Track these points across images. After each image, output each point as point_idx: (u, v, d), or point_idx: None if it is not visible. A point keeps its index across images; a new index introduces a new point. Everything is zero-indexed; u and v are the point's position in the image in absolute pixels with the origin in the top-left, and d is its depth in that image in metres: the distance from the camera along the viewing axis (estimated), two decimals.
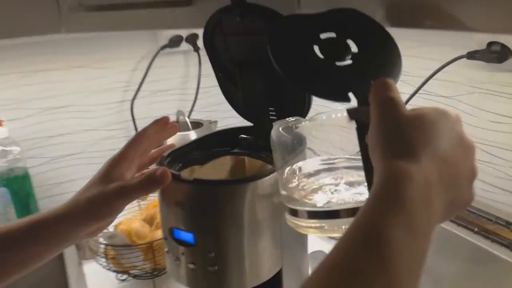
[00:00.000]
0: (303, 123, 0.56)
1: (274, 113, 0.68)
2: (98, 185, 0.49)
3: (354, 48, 0.47)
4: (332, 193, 0.53)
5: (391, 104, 0.35)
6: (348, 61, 0.46)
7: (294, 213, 0.51)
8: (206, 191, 0.54)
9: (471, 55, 0.72)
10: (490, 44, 0.70)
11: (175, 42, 1.15)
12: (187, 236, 0.55)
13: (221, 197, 0.54)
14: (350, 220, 0.45)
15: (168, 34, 1.15)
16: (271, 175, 0.56)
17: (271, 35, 0.48)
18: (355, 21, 0.50)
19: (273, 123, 0.55)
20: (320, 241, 0.91)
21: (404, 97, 0.80)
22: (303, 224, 0.50)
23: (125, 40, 1.15)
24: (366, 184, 0.41)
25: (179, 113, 1.12)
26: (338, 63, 0.46)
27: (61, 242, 0.49)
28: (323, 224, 0.49)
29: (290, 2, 0.64)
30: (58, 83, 1.09)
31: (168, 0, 0.72)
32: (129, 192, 0.48)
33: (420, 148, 0.32)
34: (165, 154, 0.64)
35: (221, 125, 1.20)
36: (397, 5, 0.50)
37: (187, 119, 1.09)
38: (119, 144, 1.19)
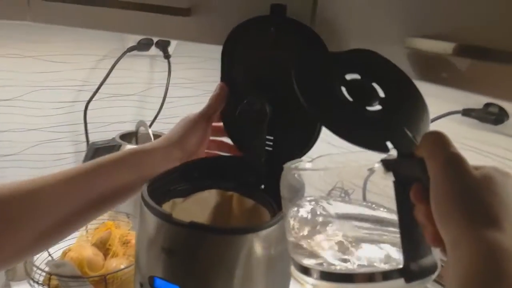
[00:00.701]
0: (315, 168, 0.51)
1: (271, 146, 0.62)
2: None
3: (381, 93, 0.44)
4: (345, 250, 0.48)
5: (460, 163, 0.33)
6: (378, 107, 0.43)
7: (304, 271, 0.45)
8: (205, 239, 0.47)
9: (467, 113, 0.71)
10: (488, 105, 0.70)
11: (144, 45, 1.05)
12: None
13: (224, 247, 0.47)
14: (369, 286, 0.40)
15: (137, 35, 1.04)
16: (279, 224, 0.49)
17: (297, 65, 0.44)
18: (378, 65, 0.47)
19: (284, 165, 0.49)
20: None
21: None
22: (313, 283, 0.45)
23: (86, 35, 1.02)
24: (389, 243, 0.37)
25: (140, 123, 1.02)
26: (368, 108, 0.42)
27: (152, 170, 0.56)
28: None
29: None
30: (4, 72, 0.94)
31: (164, 6, 0.64)
32: (204, 112, 0.61)
33: (501, 214, 0.31)
34: (148, 182, 0.56)
35: None
36: (416, 57, 0.48)
37: (149, 130, 0.99)
38: (64, 149, 1.06)
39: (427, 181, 0.34)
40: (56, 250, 0.75)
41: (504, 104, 0.68)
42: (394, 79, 0.46)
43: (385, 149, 0.38)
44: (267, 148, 0.62)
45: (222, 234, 0.47)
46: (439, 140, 0.35)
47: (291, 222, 0.48)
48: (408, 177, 0.37)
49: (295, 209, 0.49)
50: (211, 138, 0.66)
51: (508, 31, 0.39)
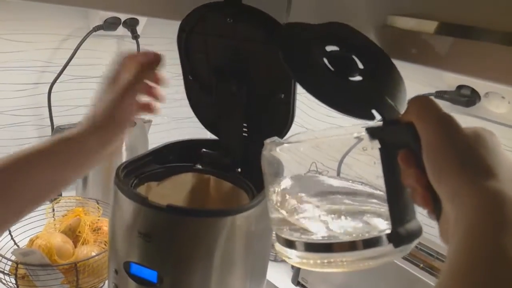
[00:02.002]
0: (297, 141, 0.50)
1: (246, 130, 0.61)
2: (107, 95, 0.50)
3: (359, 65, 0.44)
4: (328, 222, 0.47)
5: (452, 122, 0.34)
6: (359, 77, 0.43)
7: (289, 244, 0.44)
8: (183, 222, 0.45)
9: (440, 95, 0.72)
10: (460, 87, 0.71)
11: (110, 24, 1.01)
12: (150, 274, 0.46)
13: (202, 230, 0.45)
14: (351, 254, 0.40)
15: (103, 13, 1.00)
16: (260, 205, 0.49)
17: (279, 42, 0.43)
18: (353, 37, 0.47)
19: (265, 141, 0.48)
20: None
21: None
22: (299, 256, 0.44)
23: (48, 12, 0.97)
24: (370, 213, 0.39)
25: None
26: (351, 78, 0.42)
27: (86, 161, 0.48)
28: (324, 260, 0.43)
29: (280, 10, 0.58)
30: None
31: None
32: (135, 78, 0.49)
33: (495, 165, 0.32)
34: (121, 165, 0.54)
35: (156, 125, 1.08)
36: (386, 33, 0.48)
37: None
38: (28, 133, 1.01)
39: (415, 145, 0.35)
40: (23, 238, 0.72)
41: (477, 86, 0.69)
42: (370, 51, 0.46)
43: (371, 117, 0.39)
44: (244, 134, 0.60)
45: (202, 217, 0.46)
46: (428, 103, 0.35)
47: (274, 198, 0.47)
48: (394, 144, 0.37)
49: (277, 184, 0.48)
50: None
51: (489, 9, 0.39)
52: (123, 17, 1.02)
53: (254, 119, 0.60)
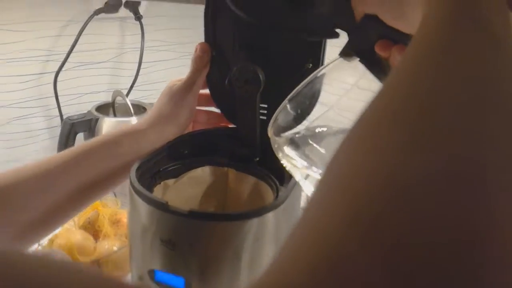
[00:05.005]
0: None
1: (265, 114, 0.58)
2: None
3: None
4: None
5: None
6: None
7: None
8: (207, 227, 0.43)
9: None
10: None
11: (112, 6, 0.96)
12: (176, 281, 0.44)
13: (228, 234, 0.43)
14: None
15: None
16: (287, 201, 0.46)
17: None
18: None
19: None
20: None
21: None
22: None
23: None
24: None
25: (117, 93, 0.95)
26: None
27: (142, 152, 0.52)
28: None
29: None
30: None
31: None
32: (190, 80, 0.55)
33: None
34: (135, 166, 0.51)
35: None
36: None
37: (127, 101, 0.93)
38: (36, 125, 0.99)
39: (381, 27, 0.36)
40: (43, 239, 0.71)
41: None
42: None
43: (335, 35, 0.43)
44: (261, 117, 0.57)
45: (227, 221, 0.44)
46: None
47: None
48: (368, 48, 0.38)
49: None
50: (197, 108, 0.61)
51: None
52: None
53: (274, 101, 0.56)
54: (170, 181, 0.54)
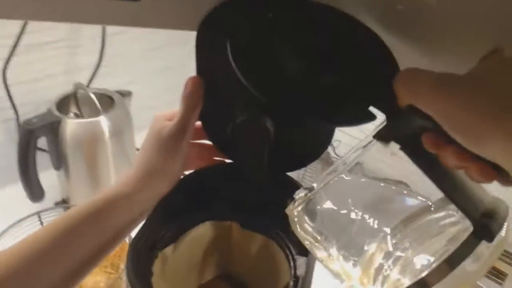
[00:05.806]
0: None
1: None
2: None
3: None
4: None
5: (450, 79, 0.29)
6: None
7: None
8: None
9: None
10: None
11: None
12: None
13: None
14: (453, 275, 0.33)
15: None
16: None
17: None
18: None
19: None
20: None
21: None
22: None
23: None
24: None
25: (78, 86, 0.83)
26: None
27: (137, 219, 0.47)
28: None
29: None
30: None
31: None
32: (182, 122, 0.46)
33: None
34: (135, 237, 0.45)
35: (139, 100, 0.92)
36: None
37: (91, 95, 0.81)
38: None
39: (430, 124, 0.30)
40: None
41: None
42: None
43: (372, 117, 0.36)
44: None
45: None
46: (414, 74, 0.31)
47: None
48: (410, 135, 0.32)
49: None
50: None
51: None
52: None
53: (282, 153, 0.49)
54: (169, 250, 0.48)
